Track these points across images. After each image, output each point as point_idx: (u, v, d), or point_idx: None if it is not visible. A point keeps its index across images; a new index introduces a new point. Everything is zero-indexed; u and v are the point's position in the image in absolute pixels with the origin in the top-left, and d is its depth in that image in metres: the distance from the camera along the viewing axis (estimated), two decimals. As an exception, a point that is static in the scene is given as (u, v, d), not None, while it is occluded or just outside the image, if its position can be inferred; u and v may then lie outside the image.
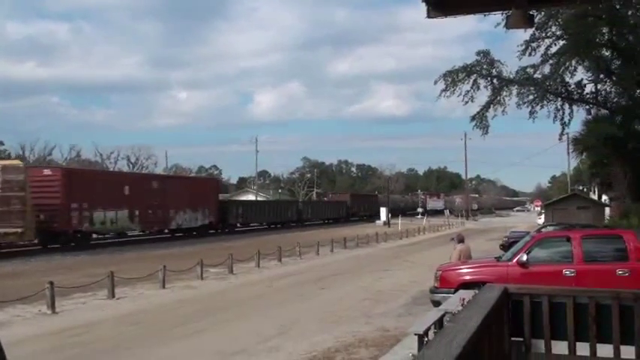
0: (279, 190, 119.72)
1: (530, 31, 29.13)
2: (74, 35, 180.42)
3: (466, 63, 31.85)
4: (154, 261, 24.55)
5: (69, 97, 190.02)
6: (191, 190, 46.87)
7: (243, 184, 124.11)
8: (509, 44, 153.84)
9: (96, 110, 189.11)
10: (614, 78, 30.56)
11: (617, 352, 4.14)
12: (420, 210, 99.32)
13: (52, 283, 15.40)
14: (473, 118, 32.69)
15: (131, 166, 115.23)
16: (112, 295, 17.41)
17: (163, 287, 19.38)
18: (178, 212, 44.79)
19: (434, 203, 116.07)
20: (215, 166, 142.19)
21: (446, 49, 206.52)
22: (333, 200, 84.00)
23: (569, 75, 30.85)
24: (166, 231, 45.34)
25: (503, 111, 32.04)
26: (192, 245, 38.43)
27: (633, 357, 4.12)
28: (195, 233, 46.69)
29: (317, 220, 72.02)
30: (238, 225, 56.43)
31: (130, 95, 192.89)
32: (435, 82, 32.00)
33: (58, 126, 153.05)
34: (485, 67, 31.72)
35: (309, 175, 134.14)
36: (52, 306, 15.18)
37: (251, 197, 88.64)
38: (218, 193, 54.73)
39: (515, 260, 12.34)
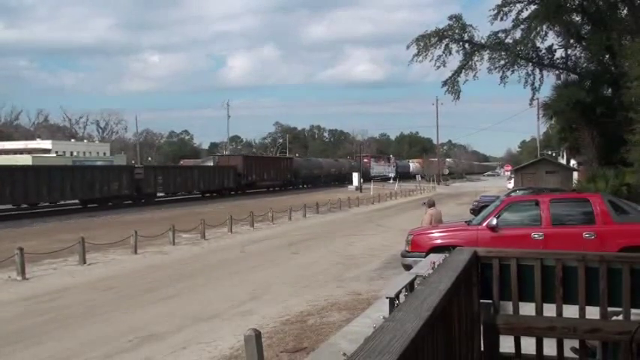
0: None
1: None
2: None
3: (438, 27, 31.79)
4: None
5: (37, 60, 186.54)
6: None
7: (215, 149, 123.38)
8: (484, 9, 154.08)
9: (65, 74, 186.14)
10: (583, 43, 30.75)
11: (582, 312, 4.24)
12: (391, 175, 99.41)
13: (21, 249, 15.26)
14: (444, 83, 32.76)
15: (100, 130, 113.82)
16: (84, 261, 17.32)
17: (135, 253, 19.32)
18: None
19: (380, 168, 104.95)
20: (186, 131, 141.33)
21: (422, 13, 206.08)
22: (220, 165, 61.80)
23: (540, 40, 30.99)
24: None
25: (474, 76, 32.17)
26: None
27: (597, 317, 4.22)
28: (110, 204, 40.80)
29: (262, 188, 63.87)
30: (160, 195, 49.10)
31: (101, 59, 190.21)
32: (408, 47, 31.93)
33: (25, 90, 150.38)
34: (457, 31, 31.67)
35: (281, 141, 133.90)
36: (22, 272, 15.06)
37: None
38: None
39: (485, 224, 12.50)
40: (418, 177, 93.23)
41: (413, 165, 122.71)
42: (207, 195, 54.38)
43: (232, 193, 58.05)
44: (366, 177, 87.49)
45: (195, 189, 53.67)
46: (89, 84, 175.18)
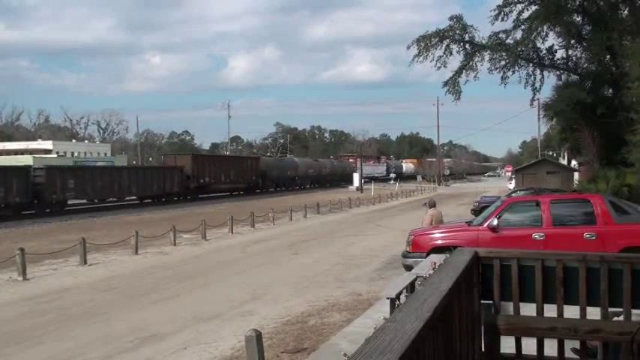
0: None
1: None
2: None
3: (439, 28, 31.77)
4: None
5: (38, 60, 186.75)
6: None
7: (215, 149, 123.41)
8: (485, 9, 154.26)
9: (66, 74, 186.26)
10: (584, 44, 30.71)
11: (583, 313, 4.24)
12: (392, 176, 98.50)
13: (22, 250, 15.26)
14: (445, 83, 32.71)
15: (101, 131, 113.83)
16: (84, 261, 17.32)
17: (136, 253, 19.32)
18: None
19: (368, 169, 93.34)
20: (187, 132, 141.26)
21: (424, 14, 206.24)
22: (165, 165, 53.41)
23: (541, 40, 30.93)
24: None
25: (475, 76, 32.09)
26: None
27: (599, 317, 4.22)
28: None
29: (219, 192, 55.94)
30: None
31: (102, 59, 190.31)
32: (408, 47, 31.89)
33: (26, 90, 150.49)
34: (457, 32, 31.62)
35: (282, 141, 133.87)
36: (23, 272, 15.06)
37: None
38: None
39: (485, 225, 12.49)
40: (419, 177, 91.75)
41: (407, 165, 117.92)
42: (149, 201, 46.64)
43: (180, 198, 49.15)
44: (350, 179, 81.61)
45: (125, 194, 44.88)
46: (90, 84, 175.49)
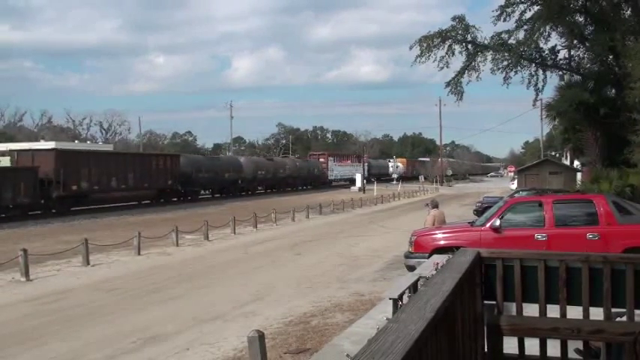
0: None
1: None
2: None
3: (441, 28, 31.77)
4: None
5: (43, 61, 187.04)
6: None
7: (218, 150, 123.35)
8: (489, 10, 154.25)
9: (70, 75, 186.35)
10: (587, 44, 30.68)
11: (586, 313, 4.23)
12: (395, 176, 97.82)
13: (25, 251, 15.28)
14: (447, 84, 32.69)
15: (104, 132, 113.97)
16: (87, 262, 17.34)
17: (139, 254, 19.34)
18: None
19: (343, 170, 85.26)
20: (190, 132, 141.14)
21: (428, 14, 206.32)
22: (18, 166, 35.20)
23: (544, 41, 30.91)
24: None
25: (477, 77, 32.07)
26: None
27: (601, 318, 4.22)
28: None
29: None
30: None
31: (106, 60, 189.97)
32: (411, 48, 31.87)
33: (31, 91, 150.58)
34: (460, 32, 31.61)
35: (284, 142, 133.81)
36: (26, 273, 15.08)
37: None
38: None
39: (488, 225, 12.48)
40: (421, 178, 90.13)
41: (394, 165, 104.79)
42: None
43: (37, 212, 34.22)
44: (321, 180, 75.97)
45: None
46: (94, 85, 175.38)
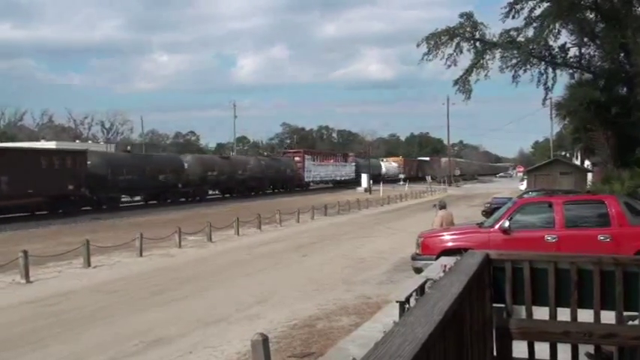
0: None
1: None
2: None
3: (449, 26, 31.74)
4: None
5: (46, 60, 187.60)
6: None
7: (221, 150, 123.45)
8: (497, 7, 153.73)
9: (73, 75, 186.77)
10: (597, 42, 30.60)
11: (597, 317, 4.21)
12: (402, 176, 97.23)
13: (25, 252, 15.31)
14: (455, 82, 32.67)
15: (105, 131, 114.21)
16: (88, 263, 17.37)
17: (141, 255, 19.36)
18: None
19: (324, 170, 77.00)
20: (192, 132, 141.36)
21: (436, 12, 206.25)
22: None
23: (553, 38, 30.84)
24: None
25: (486, 75, 32.03)
26: None
27: (613, 321, 4.20)
28: None
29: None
30: None
31: (110, 59, 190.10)
32: (418, 45, 31.90)
33: (33, 90, 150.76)
34: (468, 29, 31.60)
35: (288, 141, 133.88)
36: (26, 275, 15.11)
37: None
38: None
39: (497, 226, 12.46)
40: (428, 178, 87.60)
41: (387, 165, 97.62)
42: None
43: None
44: (294, 182, 67.80)
45: None
46: (97, 84, 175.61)
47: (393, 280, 14.56)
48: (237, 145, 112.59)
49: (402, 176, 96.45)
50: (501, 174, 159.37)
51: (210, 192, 55.30)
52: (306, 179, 72.42)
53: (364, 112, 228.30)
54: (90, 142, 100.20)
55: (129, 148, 64.25)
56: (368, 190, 69.02)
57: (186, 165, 50.21)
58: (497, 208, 17.61)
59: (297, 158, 72.12)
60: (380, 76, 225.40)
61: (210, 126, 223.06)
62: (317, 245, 22.63)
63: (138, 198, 46.43)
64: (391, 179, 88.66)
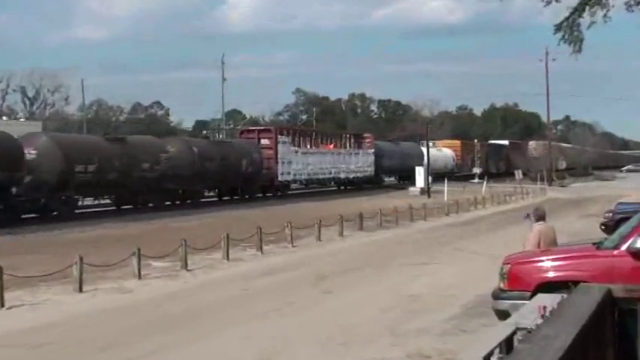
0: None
1: None
2: None
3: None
4: None
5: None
6: None
7: (202, 128, 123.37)
8: None
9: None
10: None
11: None
12: (477, 172, 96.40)
13: None
14: (558, 27, 32.46)
15: (28, 102, 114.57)
16: (1, 304, 17.47)
17: (80, 290, 19.45)
18: None
19: (314, 162, 68.70)
20: (159, 103, 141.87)
21: None
22: None
23: None
24: None
25: (604, 16, 31.81)
26: None
27: None
28: None
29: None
30: None
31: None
32: (502, -29, 31.84)
33: None
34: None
35: (304, 117, 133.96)
36: None
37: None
38: None
39: (624, 247, 12.41)
40: (518, 174, 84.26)
41: (438, 154, 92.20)
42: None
43: None
44: (259, 182, 59.46)
45: None
46: (16, 30, 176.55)
47: (465, 329, 14.56)
48: (227, 123, 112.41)
49: (476, 171, 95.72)
50: (630, 166, 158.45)
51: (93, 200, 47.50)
52: (281, 177, 63.83)
53: (419, 74, 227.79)
54: (5, 118, 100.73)
55: None
56: (426, 191, 68.32)
57: (28, 153, 39.78)
58: (625, 220, 17.51)
59: (265, 141, 63.22)
60: (443, 18, 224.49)
61: (184, 94, 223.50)
62: (348, 276, 22.64)
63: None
64: (441, 173, 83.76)
